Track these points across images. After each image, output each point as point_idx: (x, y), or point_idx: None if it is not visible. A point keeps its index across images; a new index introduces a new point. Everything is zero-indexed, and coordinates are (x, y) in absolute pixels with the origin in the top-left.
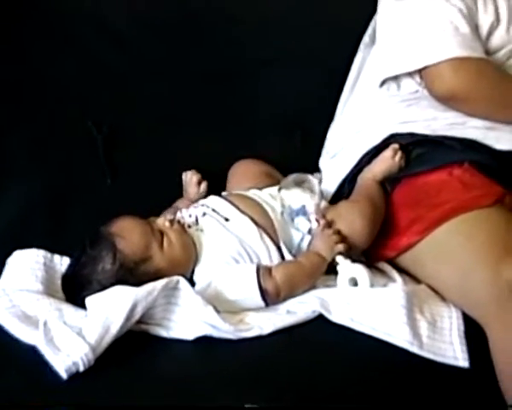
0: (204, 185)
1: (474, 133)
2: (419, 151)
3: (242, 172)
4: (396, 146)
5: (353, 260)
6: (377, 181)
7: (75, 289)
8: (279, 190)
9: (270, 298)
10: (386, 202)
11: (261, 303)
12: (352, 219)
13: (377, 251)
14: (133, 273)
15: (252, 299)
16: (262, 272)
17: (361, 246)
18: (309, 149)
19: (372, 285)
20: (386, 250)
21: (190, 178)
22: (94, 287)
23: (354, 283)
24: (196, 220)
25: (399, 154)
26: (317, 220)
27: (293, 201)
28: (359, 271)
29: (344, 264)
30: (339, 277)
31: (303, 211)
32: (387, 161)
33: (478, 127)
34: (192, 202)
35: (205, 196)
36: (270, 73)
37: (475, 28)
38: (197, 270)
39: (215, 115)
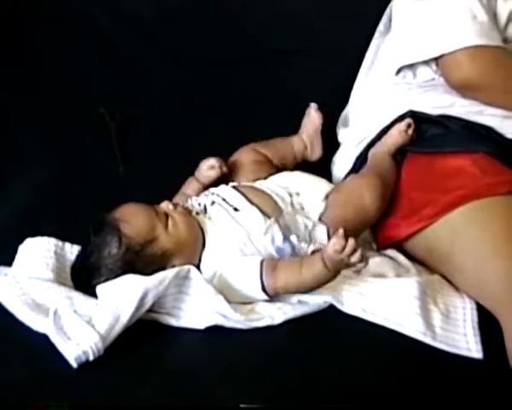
0: (214, 172)
1: (490, 121)
2: (434, 131)
3: (237, 168)
4: (410, 120)
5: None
6: (390, 154)
7: (84, 279)
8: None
9: (270, 293)
10: (396, 176)
11: (264, 296)
12: (361, 194)
13: (387, 232)
14: (140, 256)
15: (254, 292)
16: (265, 266)
17: (370, 220)
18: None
19: None
20: (395, 231)
21: (207, 159)
22: (102, 273)
23: None
24: (205, 209)
25: (413, 127)
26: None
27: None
28: None
29: None
30: None
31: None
32: (402, 133)
33: (495, 115)
34: (200, 183)
35: (216, 185)
36: (285, 62)
37: (494, 17)
38: (203, 257)
39: (229, 103)
